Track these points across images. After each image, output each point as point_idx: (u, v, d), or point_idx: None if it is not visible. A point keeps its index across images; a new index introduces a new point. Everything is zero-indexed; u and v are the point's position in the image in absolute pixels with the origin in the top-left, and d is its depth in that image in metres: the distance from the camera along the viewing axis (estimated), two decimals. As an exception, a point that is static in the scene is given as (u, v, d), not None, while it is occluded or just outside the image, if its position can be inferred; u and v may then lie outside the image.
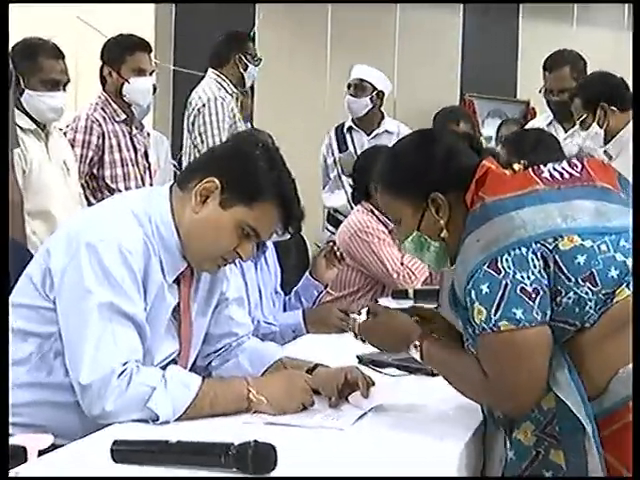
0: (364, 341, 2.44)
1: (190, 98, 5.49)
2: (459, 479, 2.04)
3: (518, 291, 1.99)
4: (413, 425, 2.26)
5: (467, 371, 2.13)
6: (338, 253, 3.89)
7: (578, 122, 4.75)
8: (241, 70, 5.51)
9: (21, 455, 1.54)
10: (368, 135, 6.14)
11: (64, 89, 4.09)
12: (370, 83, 6.13)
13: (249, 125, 5.67)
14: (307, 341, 3.44)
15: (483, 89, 7.67)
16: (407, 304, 3.99)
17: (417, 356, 2.26)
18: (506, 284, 2.00)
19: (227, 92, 5.48)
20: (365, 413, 2.33)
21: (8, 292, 2.19)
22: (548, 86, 5.50)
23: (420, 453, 2.06)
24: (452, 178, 2.17)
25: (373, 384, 2.41)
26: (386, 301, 4.25)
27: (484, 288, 2.01)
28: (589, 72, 5.27)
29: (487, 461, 2.27)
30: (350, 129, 6.19)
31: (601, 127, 4.47)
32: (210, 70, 5.55)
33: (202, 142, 5.33)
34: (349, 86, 6.15)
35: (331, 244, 3.98)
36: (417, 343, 2.25)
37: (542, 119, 5.80)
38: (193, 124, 5.40)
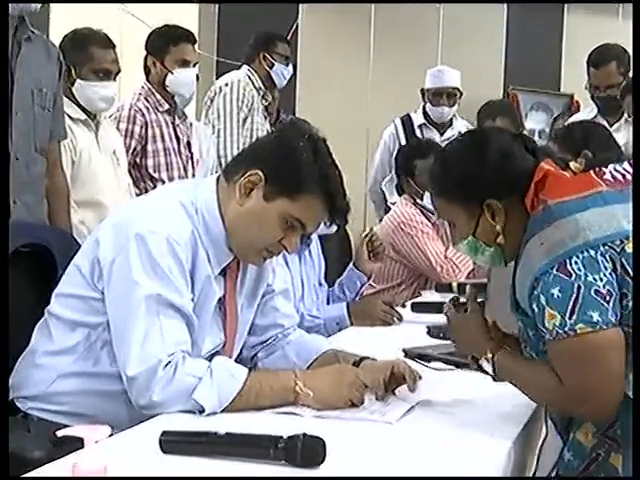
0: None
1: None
2: (499, 479, 2.01)
3: (592, 293, 1.96)
4: (460, 420, 2.24)
5: (542, 379, 2.07)
6: (377, 243, 3.88)
7: (631, 120, 4.71)
8: (266, 68, 5.55)
9: (75, 445, 1.54)
10: (441, 135, 6.02)
11: (115, 79, 4.11)
12: (458, 89, 6.03)
13: (267, 126, 5.67)
14: (352, 334, 3.43)
15: (527, 82, 7.61)
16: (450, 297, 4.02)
17: (489, 368, 2.20)
18: (579, 287, 1.96)
19: (254, 86, 5.51)
20: (412, 407, 2.31)
21: (8, 290, 2.19)
22: (594, 82, 5.43)
23: (468, 449, 2.04)
24: (507, 183, 2.13)
25: (420, 378, 2.39)
26: (429, 294, 4.25)
27: (555, 292, 1.98)
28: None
29: (538, 459, 2.24)
30: (421, 126, 6.05)
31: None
32: (244, 65, 5.64)
33: (214, 128, 5.36)
34: (440, 94, 5.96)
35: (370, 234, 3.96)
36: (489, 355, 2.20)
37: (585, 113, 5.75)
38: (208, 110, 5.47)
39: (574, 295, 1.96)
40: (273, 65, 5.58)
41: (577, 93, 7.29)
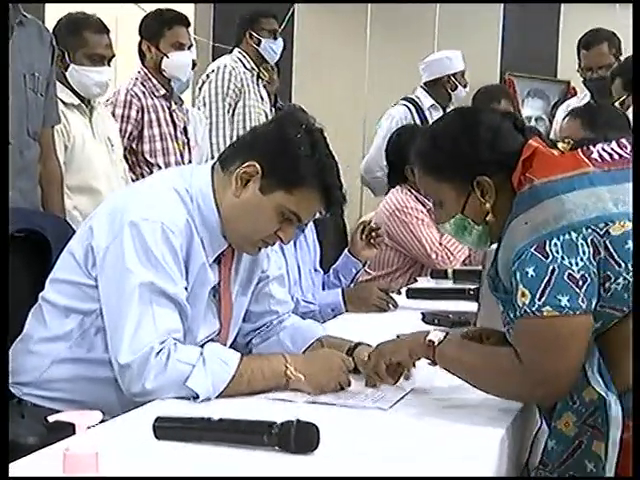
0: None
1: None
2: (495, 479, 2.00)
3: (565, 277, 1.96)
4: (453, 407, 2.24)
5: (497, 358, 2.09)
6: (374, 233, 3.87)
7: (617, 103, 4.70)
8: (254, 45, 5.54)
9: (69, 431, 1.54)
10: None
11: (109, 64, 4.10)
12: None
13: (267, 106, 5.65)
14: (347, 320, 3.43)
15: (523, 68, 7.60)
16: (446, 284, 4.03)
17: (438, 336, 2.20)
18: (553, 269, 1.96)
19: (246, 68, 5.51)
20: (405, 394, 2.31)
21: (8, 288, 2.19)
22: (587, 64, 5.46)
23: (461, 436, 2.03)
24: (498, 160, 2.13)
25: (414, 365, 2.39)
26: (425, 281, 4.25)
27: (530, 271, 1.98)
28: (629, 52, 5.21)
29: (531, 448, 2.24)
30: (430, 108, 6.03)
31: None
32: (235, 48, 5.66)
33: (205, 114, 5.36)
34: (463, 74, 6.05)
35: (367, 221, 3.95)
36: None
37: (578, 99, 5.77)
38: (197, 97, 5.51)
39: (547, 277, 1.96)
40: (260, 42, 5.56)
41: (574, 80, 7.27)
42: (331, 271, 3.94)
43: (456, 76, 6.05)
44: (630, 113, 4.52)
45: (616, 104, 4.79)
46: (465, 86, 6.04)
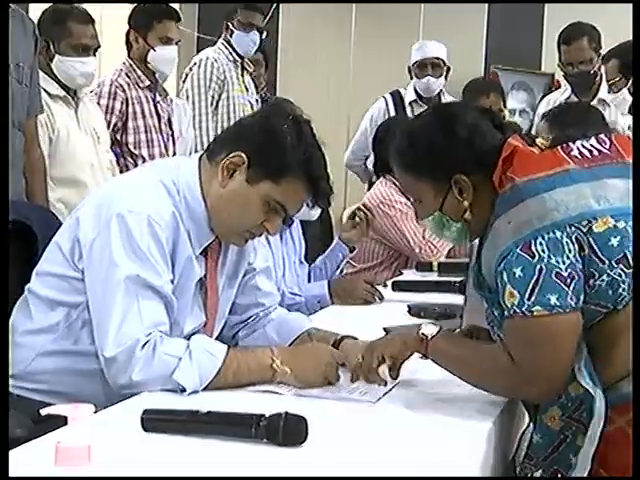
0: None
1: None
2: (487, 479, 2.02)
3: (553, 276, 1.96)
4: (440, 400, 2.25)
5: (490, 355, 2.09)
6: (362, 214, 3.90)
7: (608, 84, 4.70)
8: (228, 37, 5.51)
9: (57, 423, 1.54)
10: None
11: (94, 54, 4.08)
12: (443, 61, 5.99)
13: (253, 97, 5.64)
14: (333, 312, 3.43)
15: (508, 61, 7.60)
16: (431, 277, 4.04)
17: (431, 330, 2.21)
18: (541, 268, 1.96)
19: (228, 59, 5.48)
20: (392, 387, 2.31)
21: (7, 285, 2.18)
22: (567, 59, 5.48)
23: (448, 429, 2.04)
24: (476, 159, 2.12)
25: (400, 367, 2.38)
26: (410, 273, 4.26)
27: (517, 271, 1.98)
28: (609, 46, 5.23)
29: (519, 443, 2.25)
30: (412, 103, 5.99)
31: (631, 94, 4.41)
32: (219, 39, 5.64)
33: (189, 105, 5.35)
34: (424, 65, 5.93)
35: (360, 206, 3.98)
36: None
37: (559, 93, 5.78)
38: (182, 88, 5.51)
39: (535, 277, 1.96)
40: (232, 33, 5.53)
41: (558, 72, 7.28)
42: (318, 260, 3.96)
43: (410, 67, 6.01)
44: (620, 95, 4.54)
45: (603, 86, 4.80)
46: (422, 77, 5.93)
